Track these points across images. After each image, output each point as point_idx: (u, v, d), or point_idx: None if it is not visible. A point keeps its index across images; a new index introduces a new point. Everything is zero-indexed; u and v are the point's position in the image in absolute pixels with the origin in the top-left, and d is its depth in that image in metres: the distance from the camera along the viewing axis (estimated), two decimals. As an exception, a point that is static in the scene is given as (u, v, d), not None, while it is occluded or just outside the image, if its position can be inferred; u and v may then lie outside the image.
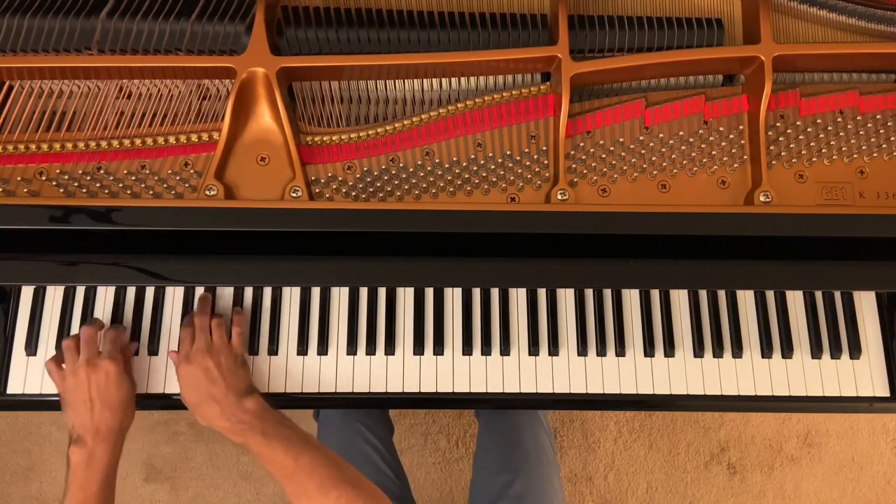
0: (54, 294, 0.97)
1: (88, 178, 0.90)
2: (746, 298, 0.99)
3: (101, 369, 0.87)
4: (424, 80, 0.96)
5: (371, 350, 0.96)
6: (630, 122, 0.95)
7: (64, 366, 0.89)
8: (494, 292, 0.99)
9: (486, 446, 1.16)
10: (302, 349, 0.96)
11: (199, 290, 0.97)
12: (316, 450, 0.84)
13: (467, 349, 0.97)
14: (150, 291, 0.97)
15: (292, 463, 0.82)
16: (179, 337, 0.93)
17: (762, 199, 0.91)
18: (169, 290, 0.97)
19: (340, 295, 0.98)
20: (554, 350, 0.97)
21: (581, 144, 0.95)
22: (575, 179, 0.94)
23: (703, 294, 1.00)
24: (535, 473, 1.09)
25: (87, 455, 0.84)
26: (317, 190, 0.92)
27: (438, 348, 0.97)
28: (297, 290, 0.98)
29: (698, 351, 0.97)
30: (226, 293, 0.97)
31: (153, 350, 0.95)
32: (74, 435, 0.86)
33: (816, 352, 0.98)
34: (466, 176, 0.93)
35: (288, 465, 0.82)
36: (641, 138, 0.95)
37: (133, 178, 0.91)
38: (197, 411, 0.88)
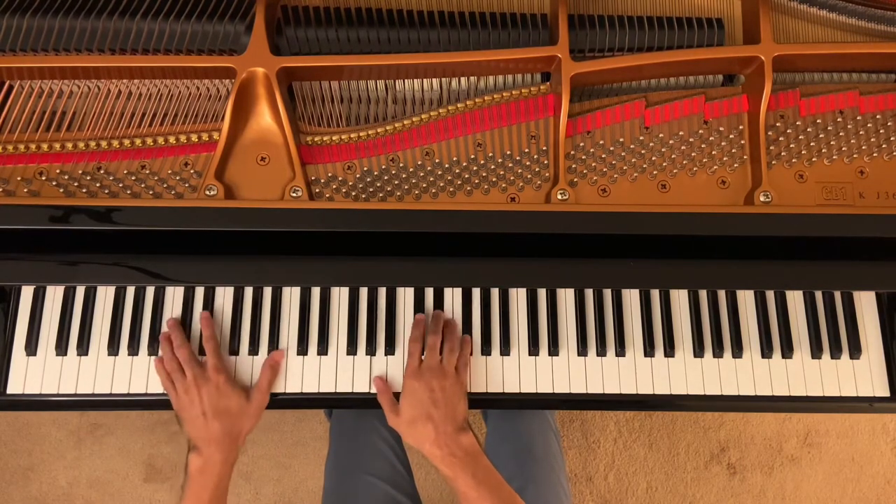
0: (54, 294, 0.97)
1: (88, 178, 0.90)
2: (746, 298, 0.99)
3: (211, 382, 0.89)
4: (424, 80, 0.96)
5: (371, 350, 0.96)
6: (630, 122, 0.95)
7: (175, 384, 0.90)
8: (494, 292, 0.99)
9: (496, 451, 1.16)
10: (302, 349, 0.96)
11: (199, 290, 0.97)
12: None
13: (467, 349, 0.96)
14: (150, 291, 0.97)
15: None
16: (408, 350, 0.94)
17: (762, 199, 0.91)
18: (169, 290, 0.97)
19: (340, 295, 0.98)
20: (554, 350, 0.97)
21: (581, 144, 0.95)
22: (575, 179, 0.94)
23: (703, 294, 0.99)
24: (546, 481, 1.08)
25: (202, 462, 0.86)
26: (317, 190, 0.92)
27: (438, 348, 0.96)
28: (297, 290, 0.98)
29: (698, 351, 0.97)
30: (226, 293, 0.98)
31: (154, 351, 0.95)
32: (191, 444, 0.88)
33: (816, 352, 0.98)
34: (466, 176, 0.93)
35: None
36: (641, 138, 0.95)
37: (133, 178, 0.91)
38: (409, 429, 0.88)
